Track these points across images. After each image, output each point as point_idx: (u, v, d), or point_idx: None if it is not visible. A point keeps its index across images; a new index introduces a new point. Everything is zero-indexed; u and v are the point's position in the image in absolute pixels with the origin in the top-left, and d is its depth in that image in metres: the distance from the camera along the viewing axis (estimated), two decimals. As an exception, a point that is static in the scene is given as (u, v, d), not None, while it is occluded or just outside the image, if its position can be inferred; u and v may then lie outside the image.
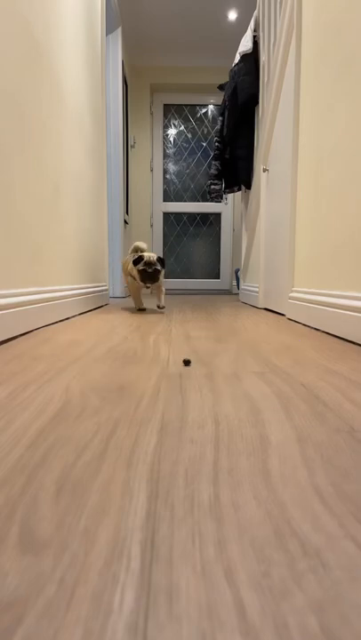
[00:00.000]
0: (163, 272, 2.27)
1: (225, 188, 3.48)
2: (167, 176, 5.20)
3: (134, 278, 2.28)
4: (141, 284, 2.26)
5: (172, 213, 5.20)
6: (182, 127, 5.16)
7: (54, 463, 0.46)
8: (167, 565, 0.30)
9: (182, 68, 4.87)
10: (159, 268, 2.21)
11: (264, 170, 2.71)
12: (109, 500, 0.39)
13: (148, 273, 2.20)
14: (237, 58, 3.14)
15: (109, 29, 3.55)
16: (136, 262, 2.20)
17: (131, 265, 2.32)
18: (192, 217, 5.21)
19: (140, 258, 2.20)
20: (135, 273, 2.23)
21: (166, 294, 5.49)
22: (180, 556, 0.31)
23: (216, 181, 3.43)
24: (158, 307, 2.33)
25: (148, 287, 2.33)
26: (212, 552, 0.31)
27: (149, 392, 0.74)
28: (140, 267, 2.19)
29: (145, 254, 2.21)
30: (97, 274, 2.81)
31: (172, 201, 5.20)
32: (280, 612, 0.26)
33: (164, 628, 0.25)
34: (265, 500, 0.39)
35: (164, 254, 5.42)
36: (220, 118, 3.35)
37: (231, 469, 0.45)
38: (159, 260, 2.23)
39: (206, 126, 5.15)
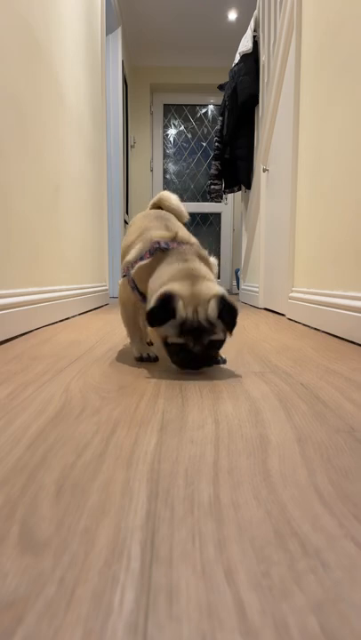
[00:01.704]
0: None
1: (225, 188, 3.48)
2: (167, 176, 5.20)
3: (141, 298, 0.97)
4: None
5: (172, 213, 5.20)
6: (182, 127, 5.16)
7: (54, 463, 0.46)
8: (167, 565, 0.30)
9: (182, 68, 4.87)
10: (222, 336, 0.85)
11: (264, 170, 2.71)
12: (109, 499, 0.39)
13: (192, 356, 0.84)
14: (237, 58, 3.14)
15: (109, 29, 3.55)
16: (157, 318, 0.82)
17: (139, 232, 1.00)
18: (192, 217, 5.21)
19: (166, 298, 0.81)
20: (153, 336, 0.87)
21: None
22: (180, 556, 0.31)
23: (216, 181, 3.44)
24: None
25: None
26: (212, 552, 0.31)
27: (149, 392, 0.74)
28: (173, 339, 0.82)
29: (181, 291, 0.82)
30: (97, 274, 2.81)
31: (172, 201, 5.19)
32: (280, 612, 0.26)
33: (164, 628, 0.25)
34: (265, 500, 0.39)
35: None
36: (220, 118, 3.35)
37: (231, 469, 0.45)
38: (224, 307, 0.82)
39: (206, 126, 5.15)
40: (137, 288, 0.96)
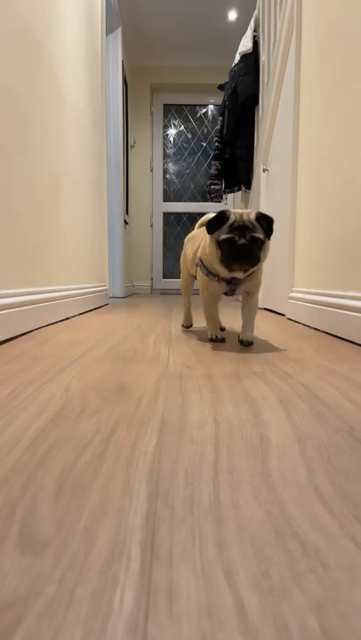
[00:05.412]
0: (268, 247, 1.14)
1: (225, 187, 3.48)
2: (167, 176, 5.20)
3: (206, 271, 1.21)
4: (223, 275, 1.17)
5: (172, 213, 5.20)
6: (182, 127, 5.16)
7: (54, 463, 0.46)
8: (167, 565, 0.30)
9: (182, 68, 4.87)
10: (261, 236, 1.10)
11: (264, 170, 2.71)
12: (109, 499, 0.39)
13: (238, 248, 1.09)
14: (237, 58, 3.14)
15: (109, 29, 3.55)
16: (214, 225, 1.11)
17: (202, 240, 1.27)
18: (192, 217, 5.21)
19: (223, 216, 1.10)
20: (211, 253, 1.15)
21: (166, 294, 5.17)
22: (180, 556, 0.31)
23: (216, 181, 3.43)
24: (242, 341, 1.21)
25: (232, 290, 1.21)
26: (212, 552, 0.31)
27: (150, 392, 0.74)
28: (224, 235, 1.09)
29: (231, 210, 1.12)
30: (97, 274, 2.81)
31: (172, 201, 5.19)
32: (280, 612, 0.26)
33: (164, 628, 0.25)
34: (265, 500, 0.39)
35: (163, 254, 5.39)
36: (220, 118, 3.35)
37: (231, 469, 0.45)
38: (261, 218, 1.11)
39: (206, 126, 5.15)
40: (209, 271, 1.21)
